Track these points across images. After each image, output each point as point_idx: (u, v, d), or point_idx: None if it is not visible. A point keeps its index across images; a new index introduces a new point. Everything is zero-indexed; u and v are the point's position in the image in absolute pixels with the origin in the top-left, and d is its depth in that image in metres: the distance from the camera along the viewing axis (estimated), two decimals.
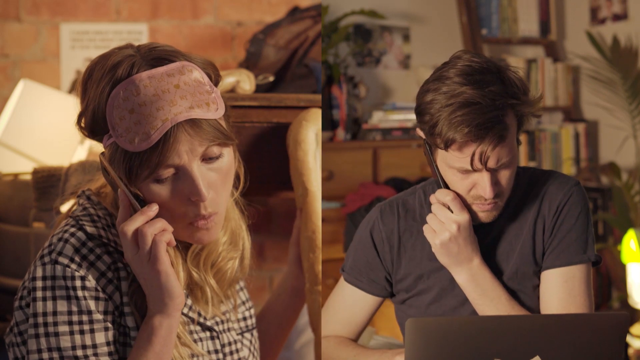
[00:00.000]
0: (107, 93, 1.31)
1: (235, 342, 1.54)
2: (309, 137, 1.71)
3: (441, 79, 1.39)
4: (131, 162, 1.30)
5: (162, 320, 1.32)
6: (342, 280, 1.63)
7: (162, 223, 1.32)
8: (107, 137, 1.33)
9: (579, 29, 4.04)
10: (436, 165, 1.46)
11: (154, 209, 1.32)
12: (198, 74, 1.34)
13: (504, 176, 1.42)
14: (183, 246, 1.47)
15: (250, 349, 1.58)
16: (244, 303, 1.62)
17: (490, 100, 1.35)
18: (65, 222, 1.39)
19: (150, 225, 1.30)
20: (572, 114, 4.12)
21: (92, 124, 1.34)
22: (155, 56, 1.34)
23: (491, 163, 1.38)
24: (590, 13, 4.01)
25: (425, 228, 1.48)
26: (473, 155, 1.36)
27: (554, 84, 4.04)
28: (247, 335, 1.60)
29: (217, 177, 1.36)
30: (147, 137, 1.28)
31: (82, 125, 1.38)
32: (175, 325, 1.34)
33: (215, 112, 1.34)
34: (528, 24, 4.09)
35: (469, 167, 1.38)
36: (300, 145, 1.69)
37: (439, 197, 1.46)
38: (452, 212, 1.44)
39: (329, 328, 1.61)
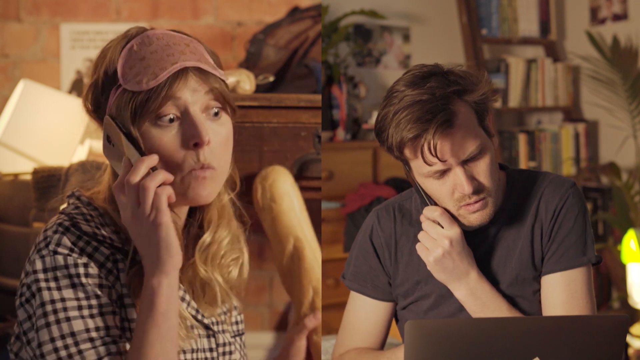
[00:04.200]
0: (120, 49, 1.36)
1: (230, 344, 1.53)
2: (288, 189, 1.73)
3: (389, 93, 1.41)
4: (137, 101, 1.32)
5: (160, 280, 1.30)
6: (351, 296, 1.61)
7: (163, 174, 1.31)
8: (114, 90, 1.35)
9: (579, 29, 4.04)
10: (417, 183, 1.45)
11: (154, 157, 1.32)
12: (204, 52, 1.41)
13: (480, 168, 1.39)
14: (192, 236, 1.47)
15: (240, 353, 1.58)
16: (235, 308, 1.62)
17: (430, 95, 1.35)
18: (58, 217, 1.37)
19: (152, 178, 1.30)
20: (572, 114, 4.12)
21: (103, 83, 1.36)
22: (169, 29, 1.42)
23: (443, 152, 1.36)
24: (590, 13, 4.01)
25: (418, 246, 1.47)
26: (422, 148, 1.35)
27: (554, 84, 4.04)
28: (238, 339, 1.60)
29: (217, 136, 1.37)
30: (155, 77, 1.31)
31: (89, 102, 1.40)
32: (175, 284, 1.32)
33: (221, 75, 1.39)
34: (528, 24, 4.09)
35: (425, 169, 1.38)
36: (284, 198, 1.70)
37: (427, 214, 1.44)
38: (442, 227, 1.43)
39: (349, 344, 1.59)
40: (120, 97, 1.33)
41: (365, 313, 1.58)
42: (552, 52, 4.14)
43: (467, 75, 1.41)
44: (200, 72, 1.35)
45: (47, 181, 2.37)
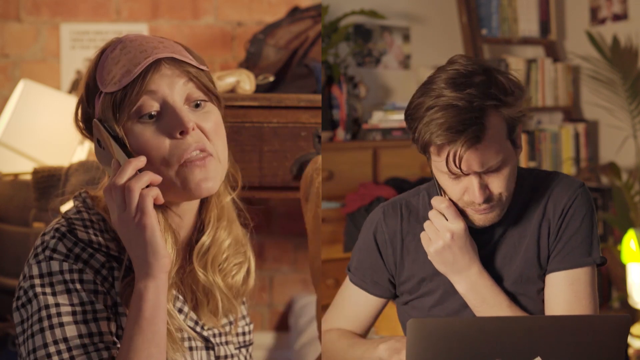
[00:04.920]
0: (98, 58, 1.37)
1: (232, 356, 1.51)
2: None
3: (428, 83, 1.39)
4: (115, 99, 1.32)
5: (147, 283, 1.29)
6: (347, 279, 1.62)
7: (148, 176, 1.30)
8: (97, 97, 1.35)
9: (579, 29, 4.04)
10: (432, 171, 1.45)
11: (141, 159, 1.31)
12: (183, 50, 1.39)
13: (496, 180, 1.39)
14: (187, 243, 1.45)
15: None
16: (244, 317, 1.60)
17: (467, 102, 1.33)
18: (57, 221, 1.37)
19: (137, 180, 1.28)
20: (572, 114, 4.12)
21: (87, 94, 1.37)
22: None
23: (468, 165, 1.36)
24: (590, 13, 4.01)
25: (422, 235, 1.47)
26: (447, 157, 1.35)
27: (554, 84, 4.04)
28: (244, 350, 1.58)
29: (205, 123, 1.35)
30: (128, 73, 1.31)
31: (79, 118, 1.40)
32: (162, 288, 1.30)
33: (198, 64, 1.38)
34: (528, 24, 4.09)
35: (445, 170, 1.37)
36: (319, 202, 1.65)
37: (435, 204, 1.45)
38: (447, 220, 1.43)
39: (335, 323, 1.61)
40: (103, 101, 1.33)
41: (356, 301, 1.60)
42: (552, 52, 4.14)
43: (511, 87, 1.39)
44: (175, 62, 1.34)
45: (47, 181, 2.37)
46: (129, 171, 1.29)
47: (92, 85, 1.36)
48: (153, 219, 1.29)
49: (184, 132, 1.32)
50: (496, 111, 1.37)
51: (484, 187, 1.39)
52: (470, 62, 1.39)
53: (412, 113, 1.40)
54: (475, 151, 1.35)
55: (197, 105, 1.36)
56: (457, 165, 1.35)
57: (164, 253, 1.29)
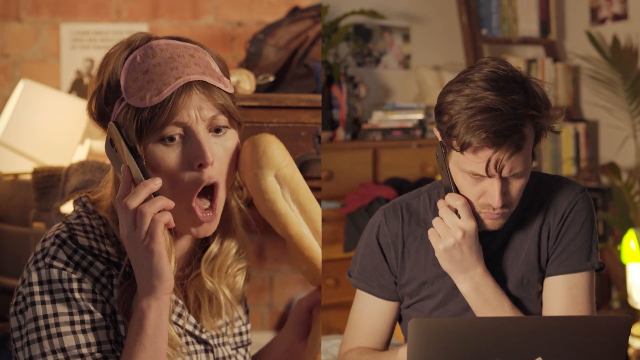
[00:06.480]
0: (124, 59, 1.34)
1: (230, 357, 1.52)
2: (269, 184, 1.47)
3: (465, 82, 1.38)
4: (141, 118, 1.30)
5: (150, 303, 1.29)
6: (357, 294, 1.61)
7: (162, 202, 1.29)
8: (118, 102, 1.33)
9: (579, 29, 4.04)
10: (448, 168, 1.44)
11: (157, 182, 1.30)
12: (211, 60, 1.38)
13: (515, 187, 1.40)
14: (198, 248, 1.46)
15: None
16: (240, 318, 1.60)
17: (511, 108, 1.33)
18: (58, 227, 1.37)
19: (150, 204, 1.28)
20: (572, 114, 4.12)
21: (106, 94, 1.35)
22: (172, 36, 1.39)
23: (505, 171, 1.37)
24: (590, 13, 4.01)
25: (430, 232, 1.46)
26: (489, 161, 1.35)
27: (554, 84, 4.04)
28: (242, 350, 1.58)
29: (221, 153, 1.36)
30: (158, 92, 1.29)
31: (92, 109, 1.38)
32: (164, 308, 1.31)
33: (226, 87, 1.37)
34: (528, 24, 4.09)
35: (482, 173, 1.37)
36: (264, 196, 1.47)
37: (449, 201, 1.43)
38: (459, 217, 1.43)
39: (353, 343, 1.60)
40: (124, 111, 1.32)
41: (370, 312, 1.58)
42: (552, 52, 4.14)
43: (545, 99, 1.40)
44: (205, 87, 1.33)
45: (47, 181, 2.37)
46: (143, 194, 1.29)
47: (113, 85, 1.34)
48: (161, 245, 1.28)
49: (202, 166, 1.32)
50: (531, 121, 1.38)
51: (505, 192, 1.39)
52: (503, 65, 1.39)
53: (446, 109, 1.39)
54: (514, 159, 1.36)
55: (217, 130, 1.36)
56: (498, 170, 1.35)
57: (168, 276, 1.30)
